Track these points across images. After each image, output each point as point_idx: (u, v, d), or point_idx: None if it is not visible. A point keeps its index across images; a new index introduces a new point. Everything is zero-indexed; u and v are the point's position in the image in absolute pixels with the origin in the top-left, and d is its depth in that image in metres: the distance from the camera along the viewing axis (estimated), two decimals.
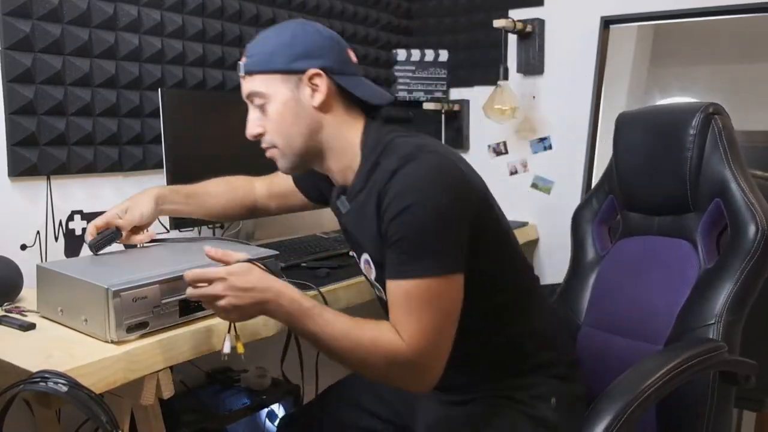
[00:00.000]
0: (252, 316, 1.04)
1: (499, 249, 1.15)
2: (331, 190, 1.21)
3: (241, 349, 1.09)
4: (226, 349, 1.08)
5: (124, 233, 1.28)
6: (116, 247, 1.63)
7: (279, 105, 1.10)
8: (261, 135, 1.15)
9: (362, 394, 1.34)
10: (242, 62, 1.13)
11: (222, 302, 0.99)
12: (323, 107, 1.10)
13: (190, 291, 1.01)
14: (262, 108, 1.12)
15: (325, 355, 1.07)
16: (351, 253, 1.28)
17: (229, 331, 1.08)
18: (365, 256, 1.16)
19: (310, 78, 1.08)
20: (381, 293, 1.16)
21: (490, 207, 1.13)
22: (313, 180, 1.32)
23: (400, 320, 1.01)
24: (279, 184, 1.44)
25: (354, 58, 1.15)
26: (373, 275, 1.16)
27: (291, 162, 1.15)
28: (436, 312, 1.01)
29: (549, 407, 1.15)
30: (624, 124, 1.48)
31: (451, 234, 1.02)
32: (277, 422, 1.48)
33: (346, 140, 1.12)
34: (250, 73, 1.12)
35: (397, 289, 1.02)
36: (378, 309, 1.21)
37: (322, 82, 1.09)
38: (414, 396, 1.28)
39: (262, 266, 1.05)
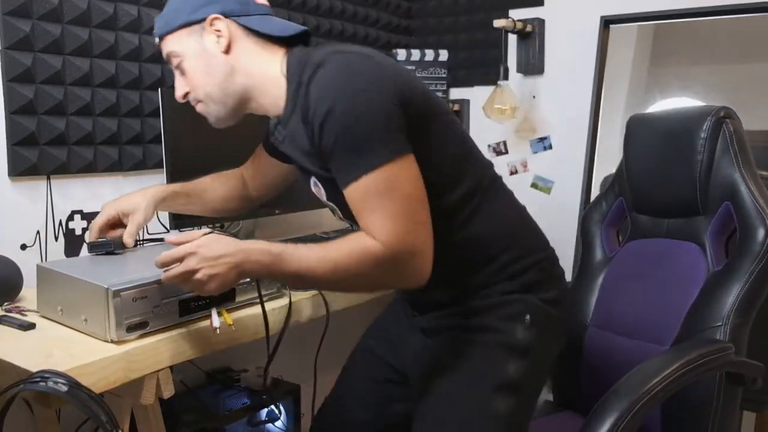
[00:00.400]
0: (231, 283, 1.02)
1: (442, 140, 1.11)
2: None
3: (229, 321, 1.09)
4: (216, 323, 1.08)
5: (128, 241, 1.28)
6: None
7: (191, 59, 1.14)
8: (187, 94, 1.19)
9: (376, 342, 1.37)
10: (155, 30, 1.18)
11: (198, 275, 0.99)
12: (232, 50, 1.12)
13: (164, 275, 1.01)
14: (180, 67, 1.16)
15: (314, 288, 1.07)
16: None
17: (212, 306, 1.09)
18: (313, 179, 1.16)
19: (211, 23, 1.11)
20: (337, 213, 1.17)
21: (423, 95, 1.10)
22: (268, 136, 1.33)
23: (368, 222, 1.01)
24: (257, 162, 1.43)
25: (261, 1, 1.17)
26: (324, 196, 1.17)
27: (219, 112, 1.18)
28: (398, 199, 1.00)
29: (522, 327, 1.14)
30: (635, 126, 1.49)
31: (381, 121, 1.00)
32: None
33: (266, 74, 1.13)
34: (161, 36, 1.17)
35: (354, 193, 1.01)
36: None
37: (224, 26, 1.11)
38: (404, 334, 1.29)
39: (226, 233, 1.07)
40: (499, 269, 1.15)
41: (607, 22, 2.18)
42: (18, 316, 1.19)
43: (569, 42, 2.28)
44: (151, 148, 1.69)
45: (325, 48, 1.09)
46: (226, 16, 1.12)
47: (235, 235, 1.86)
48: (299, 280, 1.04)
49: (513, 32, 2.28)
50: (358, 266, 1.00)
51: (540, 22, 2.29)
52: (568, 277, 2.20)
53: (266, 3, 1.18)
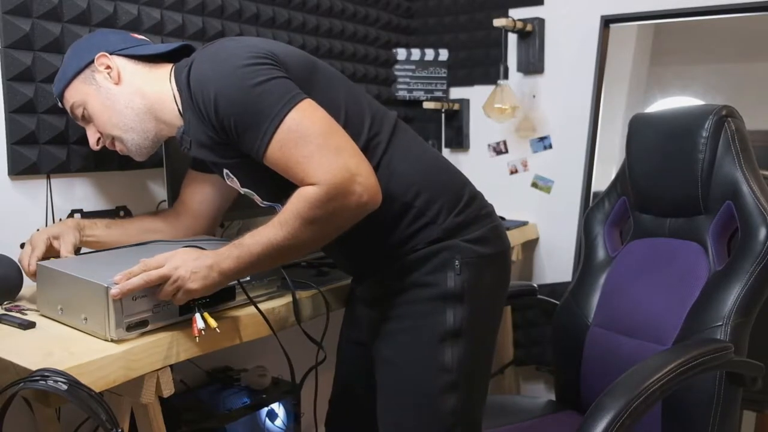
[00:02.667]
0: (212, 284, 1.05)
1: (328, 95, 1.13)
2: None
3: (213, 324, 1.10)
4: (200, 325, 1.08)
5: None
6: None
7: (92, 101, 1.23)
8: (99, 139, 1.27)
9: (348, 328, 1.42)
10: (54, 95, 1.29)
11: (180, 271, 1.02)
12: (123, 79, 1.22)
13: (144, 277, 1.03)
14: (86, 116, 1.25)
15: (288, 257, 1.09)
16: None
17: (195, 312, 1.10)
18: (225, 171, 1.21)
19: (99, 63, 1.22)
20: (256, 198, 1.23)
21: (301, 56, 1.17)
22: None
23: (299, 175, 1.03)
24: (188, 186, 1.43)
25: (139, 37, 1.29)
26: (238, 184, 1.22)
27: (135, 144, 1.25)
28: (312, 137, 1.03)
29: (453, 274, 1.14)
30: (637, 126, 1.49)
31: (262, 81, 1.03)
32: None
33: (160, 91, 1.21)
34: (59, 95, 1.27)
35: (274, 153, 1.04)
36: None
37: (111, 61, 1.22)
38: (358, 310, 1.33)
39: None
40: (416, 217, 1.15)
41: (607, 22, 2.18)
42: (18, 315, 1.19)
43: (569, 41, 2.28)
44: None
45: (198, 49, 1.18)
46: (110, 52, 1.23)
47: (236, 235, 1.87)
48: (271, 256, 1.06)
49: (513, 31, 2.28)
50: (307, 214, 1.02)
51: (540, 22, 2.29)
52: (568, 276, 2.22)
53: (144, 37, 1.31)
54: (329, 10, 2.19)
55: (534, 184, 2.40)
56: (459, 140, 2.52)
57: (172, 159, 1.56)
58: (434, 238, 1.15)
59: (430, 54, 2.49)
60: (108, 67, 1.22)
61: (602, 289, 1.53)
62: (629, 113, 2.09)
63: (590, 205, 1.69)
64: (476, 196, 1.23)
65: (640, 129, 1.49)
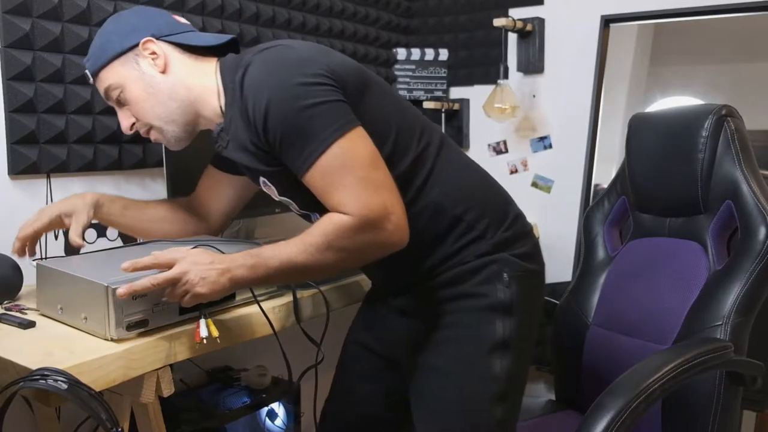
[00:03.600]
0: (222, 290, 1.02)
1: (381, 111, 1.12)
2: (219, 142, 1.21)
3: (216, 333, 1.08)
4: (203, 333, 1.07)
5: (77, 241, 1.24)
6: (115, 244, 1.63)
7: (131, 87, 1.15)
8: (134, 125, 1.19)
9: (361, 333, 1.37)
10: (86, 70, 1.19)
11: (189, 276, 0.99)
12: (169, 68, 1.15)
13: (153, 279, 0.99)
14: (121, 99, 1.17)
15: (305, 278, 1.10)
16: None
17: (200, 317, 1.08)
18: (261, 179, 1.18)
19: (145, 47, 1.14)
20: (293, 206, 1.20)
21: (356, 69, 1.12)
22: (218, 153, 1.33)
23: (333, 200, 1.02)
24: (207, 182, 1.41)
25: (183, 21, 1.20)
26: (275, 193, 1.18)
27: (171, 134, 1.19)
28: (355, 170, 1.02)
29: (501, 286, 1.15)
30: (637, 125, 1.49)
31: (317, 103, 1.01)
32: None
33: (204, 86, 1.15)
34: (94, 74, 1.18)
35: (313, 178, 1.03)
36: None
37: (157, 47, 1.14)
38: (386, 320, 1.29)
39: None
40: (466, 230, 1.15)
41: (607, 21, 2.18)
42: (18, 314, 1.19)
43: (569, 41, 2.28)
44: (151, 147, 1.69)
45: (252, 49, 1.11)
46: (157, 37, 1.15)
47: (235, 235, 1.87)
48: (286, 273, 1.04)
49: (513, 31, 2.28)
50: (335, 242, 1.01)
51: (540, 21, 2.29)
52: (568, 276, 2.22)
53: (186, 22, 1.22)
54: (329, 10, 2.19)
55: (534, 184, 2.40)
56: (459, 140, 2.51)
57: (172, 159, 1.56)
58: (483, 251, 1.16)
59: (430, 54, 2.49)
60: (154, 53, 1.14)
61: (602, 288, 1.53)
62: (629, 113, 2.09)
63: (590, 204, 1.69)
64: (520, 214, 1.25)
65: (639, 129, 1.49)
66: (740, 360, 1.22)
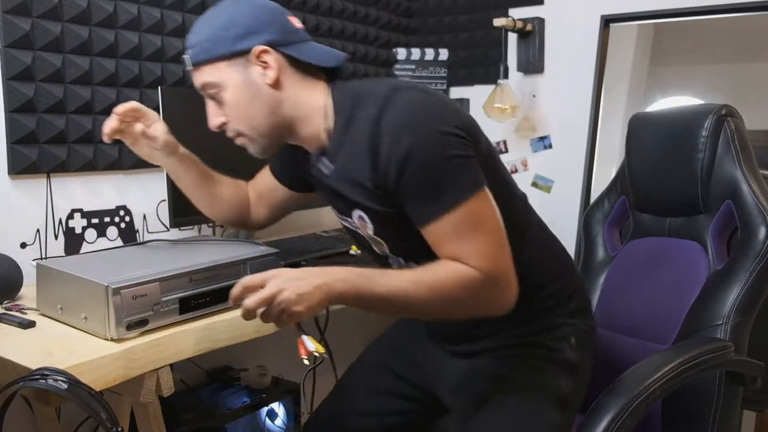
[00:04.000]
0: (318, 306, 0.96)
1: (495, 175, 1.10)
2: (308, 159, 1.17)
3: (321, 349, 1.01)
4: (310, 347, 1.00)
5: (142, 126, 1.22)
6: (115, 244, 1.63)
7: (233, 90, 1.07)
8: (224, 125, 1.13)
9: (391, 358, 1.34)
10: (186, 55, 1.10)
11: (285, 294, 0.93)
12: (279, 82, 1.07)
13: (246, 302, 0.95)
14: (218, 97, 1.10)
15: (403, 313, 1.06)
16: (335, 212, 1.22)
17: (301, 334, 1.01)
18: (358, 213, 1.12)
19: (257, 56, 1.05)
20: (382, 247, 1.14)
21: (477, 129, 1.09)
22: (284, 164, 1.31)
23: (459, 251, 1.00)
24: (262, 182, 1.39)
25: (298, 24, 1.12)
26: (370, 230, 1.12)
27: (261, 145, 1.13)
28: (486, 228, 1.01)
29: (569, 347, 1.17)
30: (637, 125, 1.49)
31: (459, 155, 1.00)
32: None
33: (310, 106, 1.09)
34: (196, 64, 1.09)
35: (442, 226, 1.00)
36: None
37: (271, 58, 1.06)
38: (434, 358, 1.28)
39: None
40: (547, 297, 1.18)
41: (607, 21, 2.18)
42: (18, 314, 1.19)
43: (569, 41, 2.28)
44: None
45: (373, 83, 1.09)
46: (272, 46, 1.06)
47: (236, 235, 1.87)
48: (390, 302, 1.00)
49: (513, 31, 2.28)
50: (454, 291, 0.99)
51: (540, 21, 2.29)
52: None
53: (300, 24, 1.13)
54: (329, 10, 2.19)
55: (534, 184, 2.39)
56: None
57: None
58: (558, 315, 1.19)
59: (430, 54, 2.49)
60: (266, 63, 1.06)
61: (602, 288, 1.53)
62: (629, 113, 2.08)
63: (590, 204, 1.69)
64: (584, 282, 1.30)
65: (639, 128, 1.49)
66: (740, 360, 1.22)
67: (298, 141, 1.14)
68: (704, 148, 1.33)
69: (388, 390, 1.33)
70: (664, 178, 1.41)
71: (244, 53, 1.05)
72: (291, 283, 0.94)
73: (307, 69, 1.10)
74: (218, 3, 1.10)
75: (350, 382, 1.40)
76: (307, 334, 1.01)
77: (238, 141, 1.14)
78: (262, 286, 0.95)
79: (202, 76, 1.09)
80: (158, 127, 1.25)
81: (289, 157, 1.25)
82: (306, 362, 1.01)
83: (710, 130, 1.32)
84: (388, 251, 1.14)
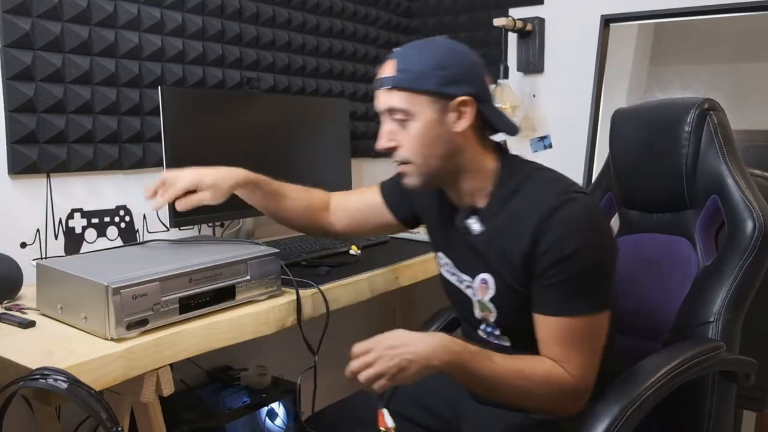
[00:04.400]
0: (418, 376, 0.99)
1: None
2: (452, 212, 1.21)
3: (392, 425, 1.04)
4: (390, 423, 1.03)
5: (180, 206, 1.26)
6: (115, 244, 1.63)
7: (422, 125, 1.10)
8: (393, 149, 1.14)
9: (408, 407, 1.32)
10: (389, 74, 1.11)
11: (396, 361, 0.97)
12: (465, 132, 1.11)
13: (352, 366, 1.00)
14: (401, 123, 1.11)
15: (486, 394, 1.10)
16: (445, 262, 1.27)
17: (382, 407, 1.04)
18: (485, 276, 1.15)
19: (459, 104, 1.09)
20: (488, 314, 1.17)
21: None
22: (408, 199, 1.35)
23: (564, 356, 1.06)
24: (357, 200, 1.43)
25: (490, 83, 1.17)
26: (489, 295, 1.15)
27: (423, 180, 1.15)
28: (593, 345, 1.08)
29: None
30: (620, 120, 1.47)
31: (607, 275, 1.09)
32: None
33: (480, 164, 1.14)
34: (398, 88, 1.10)
35: (558, 324, 1.07)
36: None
37: (468, 109, 1.09)
38: (461, 402, 1.29)
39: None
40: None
41: (607, 21, 2.18)
42: (18, 314, 1.19)
43: (569, 41, 2.28)
44: (152, 147, 1.69)
45: (544, 171, 1.15)
46: (475, 100, 1.10)
47: (236, 234, 1.87)
48: (487, 383, 1.04)
49: (513, 31, 2.28)
50: (545, 390, 1.05)
51: (540, 21, 2.29)
52: None
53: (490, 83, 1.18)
54: (329, 10, 2.19)
55: None
56: None
57: (172, 159, 1.56)
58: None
59: None
60: (462, 114, 1.09)
61: None
62: None
63: None
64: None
65: (622, 123, 1.47)
66: (733, 359, 1.21)
67: (454, 191, 1.18)
68: (688, 143, 1.31)
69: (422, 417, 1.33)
70: (649, 173, 1.40)
71: (448, 97, 1.09)
72: (390, 352, 0.98)
73: (485, 129, 1.15)
74: (435, 40, 1.14)
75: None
76: (386, 407, 1.04)
77: (401, 168, 1.16)
78: (367, 352, 0.99)
79: (394, 100, 1.10)
80: (205, 195, 1.26)
81: (417, 195, 1.30)
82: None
83: (693, 125, 1.31)
84: (492, 320, 1.18)
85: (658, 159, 1.36)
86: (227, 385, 1.80)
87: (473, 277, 1.18)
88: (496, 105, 2.19)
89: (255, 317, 1.25)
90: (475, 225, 1.15)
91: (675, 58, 2.11)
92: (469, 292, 1.20)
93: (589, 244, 1.05)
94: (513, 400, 1.08)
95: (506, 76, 2.25)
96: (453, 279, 1.24)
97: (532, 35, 2.30)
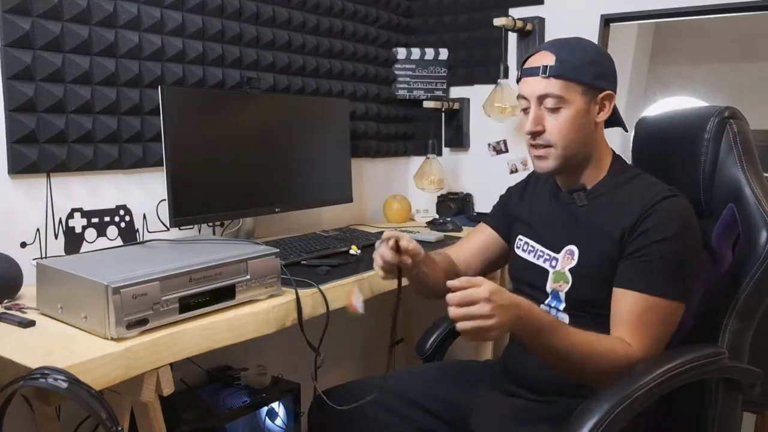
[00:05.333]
0: (504, 333, 1.05)
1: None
2: (545, 189, 1.39)
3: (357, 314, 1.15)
4: (359, 306, 1.13)
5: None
6: (115, 243, 1.63)
7: (573, 112, 1.22)
8: (539, 133, 1.25)
9: (416, 391, 1.37)
10: (548, 63, 1.22)
11: (490, 321, 0.99)
12: (600, 124, 1.26)
13: (456, 312, 0.99)
14: (552, 109, 1.23)
15: (555, 366, 1.12)
16: (524, 242, 1.37)
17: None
18: (571, 247, 1.25)
19: (604, 97, 1.24)
20: (562, 285, 1.24)
21: None
22: (507, 213, 1.47)
23: (635, 331, 1.13)
24: (472, 243, 1.50)
25: None
26: (571, 265, 1.24)
27: (560, 163, 1.26)
28: (665, 329, 1.15)
29: None
30: (642, 128, 1.48)
31: (692, 270, 1.19)
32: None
33: (601, 155, 1.29)
34: (557, 76, 1.21)
35: (640, 300, 1.14)
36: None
37: (610, 104, 1.25)
38: (473, 391, 1.36)
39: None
40: None
41: (607, 21, 2.18)
42: (18, 313, 1.19)
43: None
44: (151, 146, 1.69)
45: (650, 176, 1.27)
46: (614, 95, 1.25)
47: (236, 234, 1.87)
48: (557, 351, 1.09)
49: (513, 31, 2.28)
50: (615, 365, 1.09)
51: (540, 21, 2.29)
52: None
53: None
54: (329, 9, 2.19)
55: None
56: (459, 139, 2.51)
57: (172, 158, 1.56)
58: None
59: (430, 53, 2.49)
60: (605, 107, 1.25)
61: None
62: (629, 112, 2.09)
63: None
64: None
65: (644, 131, 1.48)
66: (736, 367, 1.19)
67: (572, 176, 1.30)
68: (706, 150, 1.31)
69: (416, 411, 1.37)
70: (668, 181, 1.40)
71: (598, 90, 1.23)
72: (498, 312, 1.00)
73: (608, 124, 1.30)
74: (582, 39, 1.27)
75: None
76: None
77: (541, 151, 1.28)
78: (474, 302, 0.99)
79: (551, 87, 1.21)
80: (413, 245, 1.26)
81: (513, 199, 1.47)
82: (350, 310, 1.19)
83: (712, 133, 1.31)
84: (564, 291, 1.24)
85: (677, 167, 1.36)
86: (227, 384, 1.80)
87: (558, 250, 1.28)
88: (495, 105, 2.21)
89: (255, 317, 1.25)
90: (580, 199, 1.28)
91: (675, 57, 2.11)
92: (546, 264, 1.29)
93: (687, 236, 1.16)
94: (578, 371, 1.11)
95: (506, 76, 2.25)
96: (529, 256, 1.34)
97: (532, 35, 2.30)
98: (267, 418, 1.85)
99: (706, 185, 1.32)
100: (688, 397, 1.21)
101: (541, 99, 1.23)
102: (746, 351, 1.23)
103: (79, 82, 1.53)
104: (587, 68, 1.21)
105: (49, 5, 1.46)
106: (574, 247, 1.25)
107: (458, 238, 2.02)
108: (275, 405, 1.84)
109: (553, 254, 1.29)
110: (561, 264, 1.26)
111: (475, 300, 0.99)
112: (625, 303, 1.15)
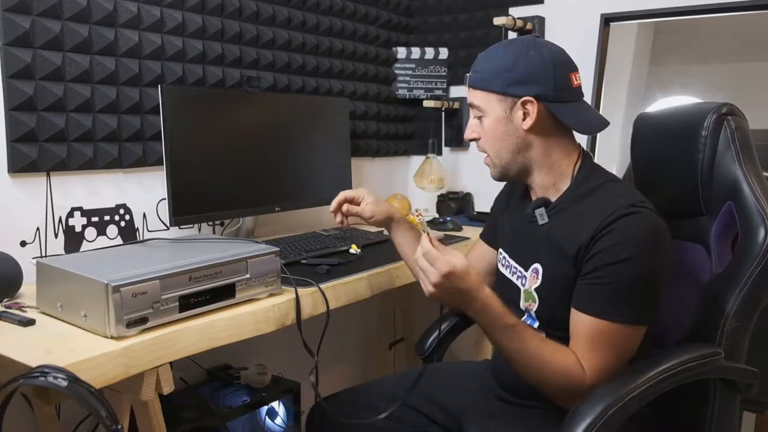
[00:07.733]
0: (452, 305, 1.14)
1: None
2: (525, 201, 1.31)
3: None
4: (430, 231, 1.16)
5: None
6: (115, 242, 1.63)
7: (492, 121, 1.21)
8: (476, 140, 1.27)
9: (411, 394, 1.36)
10: (468, 75, 1.25)
11: (432, 290, 1.10)
12: (534, 130, 1.19)
13: (421, 262, 1.11)
14: (479, 118, 1.24)
15: (513, 366, 1.15)
16: (502, 256, 1.36)
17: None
18: (536, 266, 1.22)
19: (523, 103, 1.18)
20: (531, 304, 1.23)
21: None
22: (494, 221, 1.46)
23: (586, 354, 1.10)
24: (473, 259, 1.49)
25: (576, 82, 1.21)
26: (536, 284, 1.22)
27: (498, 172, 1.26)
28: (618, 354, 1.11)
29: None
30: (640, 125, 1.47)
31: (654, 291, 1.12)
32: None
33: (554, 162, 1.22)
34: (472, 87, 1.24)
35: (592, 324, 1.10)
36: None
37: (533, 109, 1.17)
38: (466, 394, 1.38)
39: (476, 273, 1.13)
40: None
41: (607, 20, 2.18)
42: (18, 312, 1.19)
43: (569, 40, 2.25)
44: (151, 145, 1.69)
45: (620, 184, 1.22)
46: (539, 99, 1.17)
47: (236, 233, 1.87)
48: (508, 352, 1.13)
49: (513, 30, 2.28)
50: (560, 381, 1.10)
51: (540, 20, 2.29)
52: None
53: (580, 83, 1.23)
54: (329, 9, 2.19)
55: None
56: (459, 139, 2.51)
57: (171, 157, 1.56)
58: None
59: (430, 52, 2.49)
60: (527, 113, 1.18)
61: None
62: (629, 112, 2.09)
63: None
64: None
65: (642, 128, 1.47)
66: (732, 367, 1.18)
67: (528, 183, 1.27)
68: (704, 147, 1.30)
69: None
70: (666, 179, 1.40)
71: (513, 97, 1.18)
72: (442, 288, 1.10)
73: (565, 127, 1.21)
74: (517, 40, 1.23)
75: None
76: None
77: (486, 158, 1.28)
78: (432, 264, 1.09)
79: (473, 97, 1.24)
80: (366, 209, 1.45)
81: (498, 205, 1.45)
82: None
83: (710, 129, 1.30)
84: (533, 311, 1.23)
85: (674, 164, 1.35)
86: (227, 383, 1.80)
87: (526, 267, 1.25)
88: None
89: (255, 316, 1.25)
90: (541, 215, 1.22)
91: (675, 57, 2.11)
92: (518, 282, 1.27)
93: (645, 257, 1.08)
94: (527, 376, 1.13)
95: None
96: (506, 272, 1.32)
97: (532, 34, 2.29)
98: (267, 417, 1.85)
99: (704, 182, 1.31)
100: (685, 398, 1.20)
101: (471, 108, 1.26)
102: (744, 350, 1.22)
103: (79, 81, 1.53)
104: (500, 75, 1.18)
105: (49, 4, 1.46)
106: (539, 266, 1.22)
107: (458, 237, 2.02)
108: (275, 404, 1.84)
109: (523, 272, 1.26)
110: (528, 282, 1.24)
111: (436, 269, 1.08)
112: (580, 324, 1.12)
